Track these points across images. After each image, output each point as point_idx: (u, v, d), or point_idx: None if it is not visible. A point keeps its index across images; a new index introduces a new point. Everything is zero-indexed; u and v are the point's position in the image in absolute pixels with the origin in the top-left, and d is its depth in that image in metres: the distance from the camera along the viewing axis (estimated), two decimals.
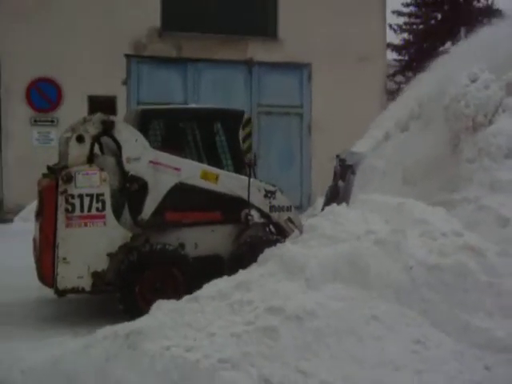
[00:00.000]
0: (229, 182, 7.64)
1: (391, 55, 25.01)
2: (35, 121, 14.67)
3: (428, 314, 5.31)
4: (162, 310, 4.95)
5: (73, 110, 13.77)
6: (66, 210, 6.90)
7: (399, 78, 25.15)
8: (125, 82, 14.72)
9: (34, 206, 11.74)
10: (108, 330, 4.82)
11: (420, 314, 5.30)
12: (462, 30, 20.83)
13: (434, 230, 6.15)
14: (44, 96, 14.56)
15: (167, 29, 14.89)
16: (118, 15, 14.27)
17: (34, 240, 7.68)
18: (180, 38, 14.89)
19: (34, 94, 14.56)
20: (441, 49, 22.59)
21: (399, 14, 24.97)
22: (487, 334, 5.12)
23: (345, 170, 8.65)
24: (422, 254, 5.69)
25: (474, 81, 10.29)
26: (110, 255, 7.07)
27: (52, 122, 14.66)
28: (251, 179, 7.69)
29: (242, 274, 5.53)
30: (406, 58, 25.39)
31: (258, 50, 14.96)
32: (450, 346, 5.04)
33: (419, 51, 24.56)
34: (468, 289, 5.47)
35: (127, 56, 14.56)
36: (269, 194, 7.82)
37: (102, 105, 14.21)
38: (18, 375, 4.76)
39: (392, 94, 22.98)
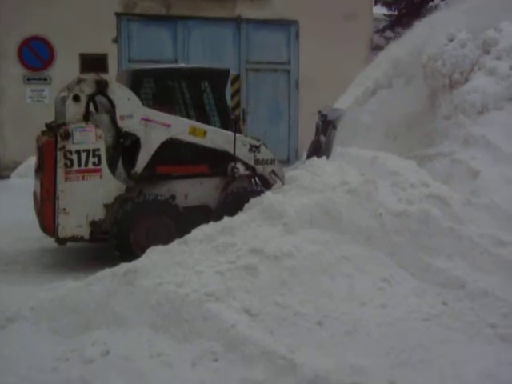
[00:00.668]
0: (216, 138, 8.09)
1: (381, 10, 24.97)
2: (28, 79, 14.88)
3: (395, 256, 5.85)
4: (155, 252, 5.49)
5: (65, 67, 14.02)
6: (65, 165, 7.35)
7: (389, 33, 25.16)
8: (115, 40, 14.91)
9: (29, 162, 12.23)
10: (107, 271, 5.36)
11: (387, 256, 5.84)
12: None
13: (403, 180, 6.68)
14: (36, 55, 14.76)
15: None
16: None
17: (35, 194, 8.15)
18: None
19: (26, 53, 14.74)
20: (430, 4, 22.70)
21: None
22: (446, 273, 5.65)
23: (326, 126, 9.05)
24: (391, 202, 6.23)
25: (451, 40, 10.67)
26: (106, 206, 7.58)
27: (45, 80, 14.89)
28: (237, 134, 8.15)
29: (226, 220, 6.04)
30: (396, 12, 25.30)
31: (246, 8, 15.12)
32: (413, 284, 5.58)
33: (409, 6, 24.50)
34: (431, 234, 6.01)
35: (117, 14, 14.73)
36: (253, 148, 8.28)
37: (93, 62, 14.48)
38: (27, 312, 5.24)
39: (381, 50, 23.16)
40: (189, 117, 8.33)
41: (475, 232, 6.16)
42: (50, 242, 8.10)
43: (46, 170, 7.44)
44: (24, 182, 12.30)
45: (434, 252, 5.90)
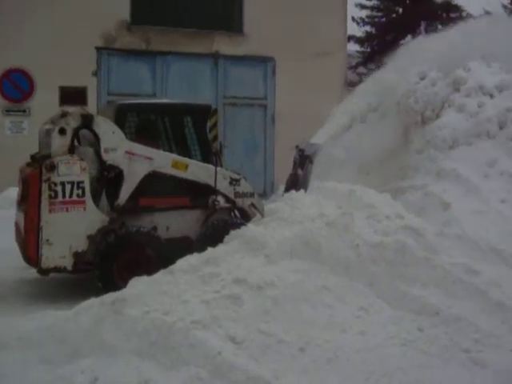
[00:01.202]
0: (197, 171, 8.32)
1: (354, 47, 25.61)
2: (7, 111, 14.89)
3: (372, 285, 6.10)
4: (141, 281, 5.65)
5: (44, 100, 14.11)
6: (50, 196, 7.49)
7: (362, 69, 25.77)
8: (95, 74, 15.11)
9: (8, 193, 12.23)
10: (94, 300, 5.50)
11: (365, 285, 6.09)
12: (423, 24, 21.73)
13: (379, 213, 6.96)
14: (16, 86, 14.85)
15: (136, 22, 15.28)
16: (88, 8, 14.60)
17: (17, 224, 8.25)
18: (149, 31, 15.31)
19: (6, 85, 14.79)
20: (402, 42, 23.39)
21: (362, 7, 25.52)
22: (422, 301, 5.92)
23: (303, 160, 9.32)
24: (367, 233, 6.49)
25: (422, 78, 11.12)
26: (89, 237, 7.71)
27: (24, 111, 14.92)
28: (217, 168, 8.39)
29: (210, 251, 6.23)
30: (369, 49, 25.95)
31: (224, 44, 15.49)
32: (390, 312, 5.83)
33: (381, 43, 25.18)
34: (407, 263, 6.29)
35: (98, 48, 14.96)
36: (234, 182, 8.52)
37: (72, 95, 14.65)
38: (14, 341, 5.32)
39: (354, 86, 23.70)
40: (171, 150, 8.55)
41: (448, 261, 6.46)
42: (30, 272, 8.18)
43: (30, 201, 7.57)
44: (2, 213, 12.26)
45: (410, 281, 6.16)
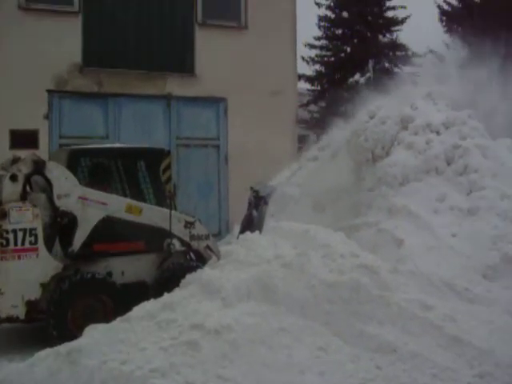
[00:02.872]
0: (152, 215, 8.30)
1: (305, 85, 26.03)
2: None
3: (329, 324, 6.17)
4: (98, 330, 5.58)
5: None
6: (1, 244, 7.36)
7: (312, 107, 26.19)
8: (46, 117, 14.95)
9: None
10: (49, 351, 5.39)
11: (322, 325, 6.15)
12: (370, 62, 22.33)
13: (334, 252, 7.07)
14: None
15: (88, 64, 15.22)
16: (39, 51, 14.53)
17: None
18: (100, 74, 15.26)
19: None
20: (350, 79, 23.96)
21: (311, 46, 25.99)
22: (378, 338, 6.00)
23: (258, 201, 9.40)
24: (323, 273, 6.57)
25: (372, 117, 11.41)
26: (42, 285, 7.57)
27: None
28: (172, 211, 8.38)
29: (166, 297, 6.21)
30: (319, 88, 26.40)
31: (176, 85, 15.54)
32: (348, 350, 5.89)
33: (331, 82, 25.69)
34: (362, 301, 6.38)
35: (49, 91, 14.85)
36: (188, 225, 8.52)
37: (23, 138, 14.42)
38: None
39: (305, 123, 24.08)
40: (125, 195, 8.53)
41: (403, 298, 6.57)
42: None
43: None
44: None
45: (366, 319, 6.24)
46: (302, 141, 18.04)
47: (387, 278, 6.96)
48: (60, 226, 7.89)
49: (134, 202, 8.26)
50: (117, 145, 9.87)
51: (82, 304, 7.65)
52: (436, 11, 23.99)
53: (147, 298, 6.56)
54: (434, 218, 9.68)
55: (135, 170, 8.70)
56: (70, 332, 7.09)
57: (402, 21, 25.24)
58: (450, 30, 23.97)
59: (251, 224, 9.19)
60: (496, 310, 7.31)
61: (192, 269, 7.54)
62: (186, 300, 6.05)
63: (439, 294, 7.43)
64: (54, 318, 7.52)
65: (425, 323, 6.25)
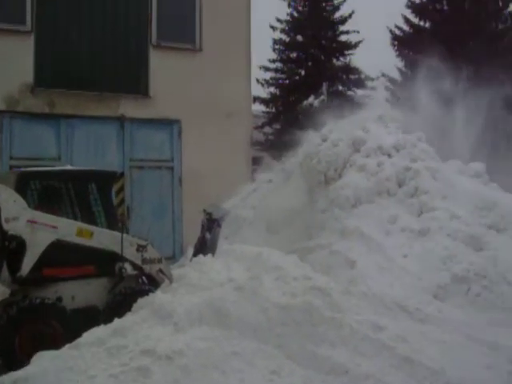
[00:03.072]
0: (103, 238, 8.18)
1: (259, 108, 26.22)
2: None
3: (282, 347, 6.16)
4: (46, 357, 5.44)
5: None
6: None
7: (267, 129, 26.37)
8: None
9: None
10: None
11: (275, 348, 6.14)
12: (324, 85, 22.68)
13: (286, 274, 7.08)
14: None
15: (40, 85, 15.01)
16: None
17: None
18: (53, 94, 15.05)
19: None
20: (305, 102, 24.23)
21: (266, 69, 26.27)
22: (331, 360, 6.03)
23: (211, 224, 9.38)
24: (275, 296, 6.58)
25: (324, 140, 11.59)
26: None
27: None
28: (124, 235, 8.27)
29: (117, 322, 6.11)
30: (274, 110, 26.63)
31: (130, 107, 15.42)
32: (301, 373, 5.89)
33: (285, 104, 25.96)
34: (315, 324, 6.40)
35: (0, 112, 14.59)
36: (141, 248, 8.42)
37: None
38: None
39: (260, 145, 24.21)
40: (76, 218, 8.37)
41: (355, 319, 6.63)
42: None
43: None
44: None
45: (318, 341, 6.27)
46: (256, 163, 18.09)
47: (339, 299, 7.01)
48: (8, 250, 7.68)
49: (84, 226, 8.13)
50: (68, 167, 9.70)
51: (30, 330, 7.43)
52: (388, 36, 24.53)
53: (98, 324, 6.45)
54: (386, 240, 9.84)
55: (86, 193, 8.55)
56: (18, 359, 6.85)
57: (355, 45, 25.76)
58: (401, 54, 24.54)
59: (204, 247, 9.14)
60: (447, 330, 7.44)
61: (144, 293, 7.44)
62: (138, 325, 5.96)
63: (391, 315, 7.52)
64: (1, 345, 7.30)
65: (377, 344, 6.31)
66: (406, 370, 6.03)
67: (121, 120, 15.33)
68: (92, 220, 8.42)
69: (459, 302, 8.76)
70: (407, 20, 24.16)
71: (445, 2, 23.79)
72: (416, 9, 23.98)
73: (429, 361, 6.16)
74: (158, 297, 6.42)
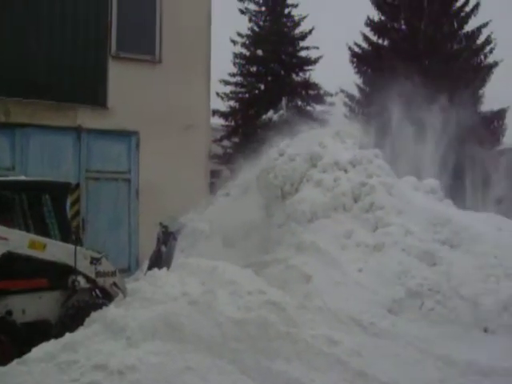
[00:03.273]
0: (56, 251, 8.00)
1: (219, 121, 26.21)
2: None
3: (236, 362, 6.13)
4: None
5: None
6: None
7: (226, 142, 26.37)
8: None
9: None
10: None
11: (229, 363, 6.10)
12: (283, 100, 22.84)
13: (241, 289, 7.06)
14: None
15: None
16: None
17: None
18: (8, 103, 14.79)
19: None
20: (264, 116, 24.34)
21: (226, 83, 26.29)
22: (285, 375, 6.03)
23: (167, 237, 9.31)
24: (230, 310, 6.55)
25: (281, 154, 11.64)
26: None
27: None
28: (78, 247, 8.13)
29: (68, 337, 5.99)
30: (233, 123, 26.65)
31: (87, 118, 15.24)
32: None
33: (245, 118, 26.01)
34: (270, 338, 6.40)
35: None
36: (94, 261, 8.27)
37: None
38: None
39: (219, 158, 24.18)
40: (28, 230, 8.17)
41: (309, 334, 6.65)
42: None
43: None
44: None
45: (273, 355, 6.27)
46: (214, 176, 18.08)
47: (294, 314, 7.02)
48: None
49: (37, 238, 7.94)
50: (21, 177, 9.52)
51: None
52: (347, 53, 24.86)
53: (50, 338, 6.31)
54: (342, 254, 9.90)
55: (40, 204, 8.36)
56: None
57: (315, 61, 25.99)
58: (360, 71, 24.89)
59: (159, 260, 9.05)
60: (400, 344, 7.51)
61: (97, 306, 7.31)
62: (89, 339, 5.86)
63: (346, 329, 7.56)
64: None
65: (331, 359, 6.33)
66: None
67: (78, 130, 15.11)
68: (45, 232, 8.24)
69: (413, 317, 8.84)
70: (366, 38, 24.53)
71: (402, 22, 24.25)
72: (375, 27, 24.38)
73: (382, 375, 6.21)
74: (111, 311, 6.33)
